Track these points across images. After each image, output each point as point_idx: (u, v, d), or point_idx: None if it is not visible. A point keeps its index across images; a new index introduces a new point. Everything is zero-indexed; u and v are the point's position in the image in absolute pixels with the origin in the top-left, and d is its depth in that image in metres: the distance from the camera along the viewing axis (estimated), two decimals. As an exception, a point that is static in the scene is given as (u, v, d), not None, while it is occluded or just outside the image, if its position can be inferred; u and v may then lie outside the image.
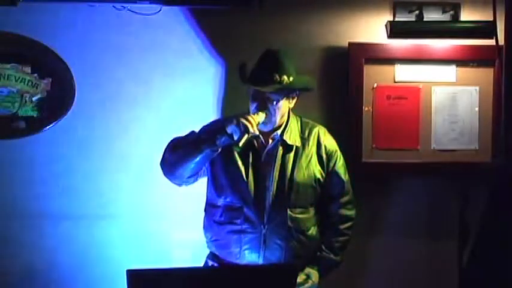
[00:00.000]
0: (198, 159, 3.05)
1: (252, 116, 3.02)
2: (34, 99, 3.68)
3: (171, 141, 3.15)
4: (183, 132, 3.17)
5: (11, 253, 3.71)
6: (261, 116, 3.05)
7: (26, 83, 3.67)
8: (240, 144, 2.96)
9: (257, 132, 3.05)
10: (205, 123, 3.26)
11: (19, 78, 3.67)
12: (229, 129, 2.98)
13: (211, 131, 3.05)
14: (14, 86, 3.67)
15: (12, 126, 3.66)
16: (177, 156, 3.08)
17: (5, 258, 3.71)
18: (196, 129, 3.19)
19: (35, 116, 3.68)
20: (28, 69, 3.67)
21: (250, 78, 3.13)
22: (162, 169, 3.16)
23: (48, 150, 3.71)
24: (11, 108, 3.68)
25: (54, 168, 3.72)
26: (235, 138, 2.97)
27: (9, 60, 3.66)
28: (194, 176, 3.18)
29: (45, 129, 3.69)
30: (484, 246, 2.85)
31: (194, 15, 3.74)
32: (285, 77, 3.08)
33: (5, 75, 3.66)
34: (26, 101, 3.67)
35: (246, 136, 2.96)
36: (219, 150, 3.04)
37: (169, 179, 3.17)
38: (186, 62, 3.75)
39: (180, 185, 3.21)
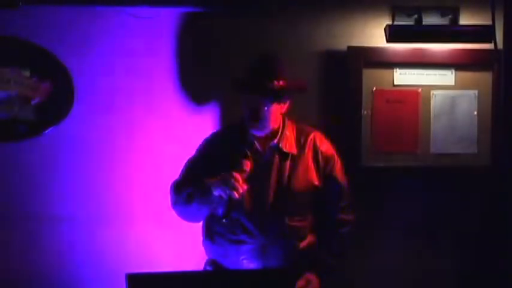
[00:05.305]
0: (201, 212, 3.16)
1: (237, 172, 3.00)
2: (33, 102, 3.67)
3: (172, 190, 3.22)
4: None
5: (10, 255, 3.71)
6: (246, 166, 3.04)
7: (25, 86, 3.67)
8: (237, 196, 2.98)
9: (245, 187, 3.01)
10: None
11: (18, 81, 3.66)
12: (215, 192, 3.02)
13: (202, 193, 3.07)
14: (13, 90, 3.67)
15: (13, 131, 3.66)
16: (182, 212, 3.20)
17: (5, 261, 3.70)
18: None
19: (34, 119, 3.68)
20: (27, 73, 3.66)
21: (242, 86, 3.16)
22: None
23: (47, 154, 3.70)
24: (10, 111, 3.67)
25: (54, 171, 3.72)
26: (225, 198, 3.00)
27: (8, 63, 3.65)
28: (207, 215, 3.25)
29: (44, 132, 3.69)
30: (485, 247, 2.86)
31: (194, 18, 3.74)
32: (277, 82, 3.10)
33: (4, 79, 3.66)
34: (25, 105, 3.67)
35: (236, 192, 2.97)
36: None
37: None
38: (186, 65, 3.76)
39: (199, 222, 3.31)
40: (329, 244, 3.24)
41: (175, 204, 3.20)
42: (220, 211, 3.09)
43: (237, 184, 2.96)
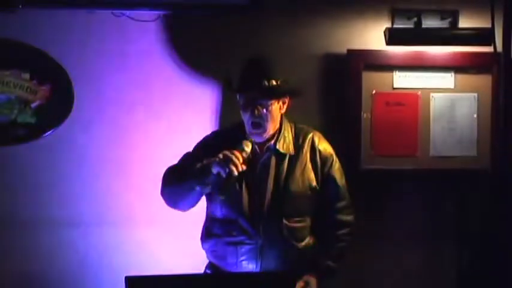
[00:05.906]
0: (191, 196, 3.09)
1: (238, 150, 2.99)
2: (33, 105, 3.68)
3: (165, 173, 3.16)
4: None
5: (10, 258, 3.71)
6: (246, 146, 3.03)
7: (25, 89, 3.67)
8: (233, 175, 2.94)
9: (244, 167, 2.99)
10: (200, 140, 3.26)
11: (18, 84, 3.67)
12: (214, 170, 2.98)
13: (199, 171, 3.02)
14: (12, 93, 3.67)
15: (12, 134, 3.66)
16: (172, 193, 3.13)
17: (4, 263, 3.70)
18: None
19: (33, 122, 3.68)
20: (27, 76, 3.67)
21: (238, 86, 3.15)
22: (164, 200, 3.19)
23: (47, 157, 3.70)
24: (10, 114, 3.67)
25: (53, 174, 3.72)
26: (224, 176, 2.95)
27: (8, 66, 3.65)
28: (195, 204, 3.20)
29: (44, 135, 3.69)
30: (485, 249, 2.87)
31: (192, 21, 3.75)
32: (273, 81, 3.09)
33: (3, 82, 3.66)
34: (24, 108, 3.67)
35: (234, 172, 2.93)
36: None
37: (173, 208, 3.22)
38: (185, 68, 3.76)
39: (184, 211, 3.23)
40: (328, 246, 3.22)
41: (165, 184, 3.14)
42: (216, 191, 3.03)
43: (236, 161, 2.95)
